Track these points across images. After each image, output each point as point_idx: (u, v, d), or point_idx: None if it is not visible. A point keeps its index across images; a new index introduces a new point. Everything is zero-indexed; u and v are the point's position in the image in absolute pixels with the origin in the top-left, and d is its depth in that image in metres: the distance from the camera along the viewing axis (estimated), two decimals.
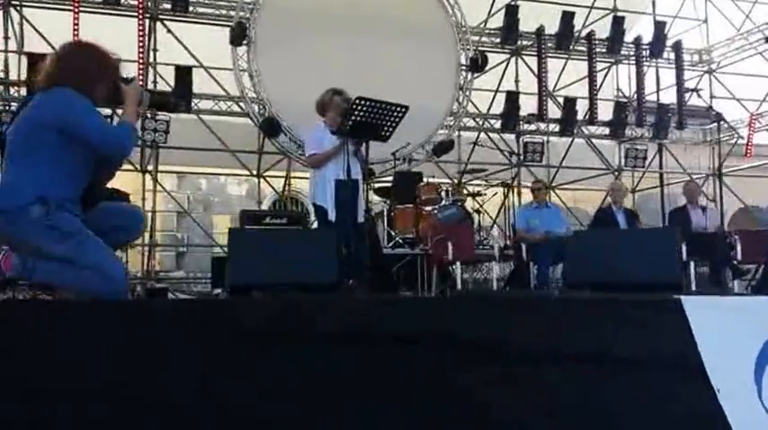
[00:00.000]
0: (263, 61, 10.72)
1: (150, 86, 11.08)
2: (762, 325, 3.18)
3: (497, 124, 12.84)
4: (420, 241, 8.25)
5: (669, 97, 13.73)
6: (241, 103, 11.39)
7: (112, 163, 3.44)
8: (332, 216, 5.74)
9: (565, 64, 13.27)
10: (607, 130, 13.28)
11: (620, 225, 8.45)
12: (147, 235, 10.71)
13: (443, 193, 9.21)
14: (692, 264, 7.56)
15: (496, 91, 13.00)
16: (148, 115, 10.69)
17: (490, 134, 12.98)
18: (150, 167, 11.41)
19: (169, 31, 11.06)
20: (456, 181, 9.85)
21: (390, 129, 5.52)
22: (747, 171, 13.57)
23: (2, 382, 2.15)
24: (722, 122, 13.84)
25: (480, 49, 12.28)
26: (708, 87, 14.38)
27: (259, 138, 12.02)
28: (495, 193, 10.42)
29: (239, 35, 10.57)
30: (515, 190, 10.82)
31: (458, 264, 7.84)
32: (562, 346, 2.84)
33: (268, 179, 12.40)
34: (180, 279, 11.99)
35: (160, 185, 11.65)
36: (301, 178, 11.74)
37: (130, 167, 11.75)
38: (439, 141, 11.62)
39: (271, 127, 10.62)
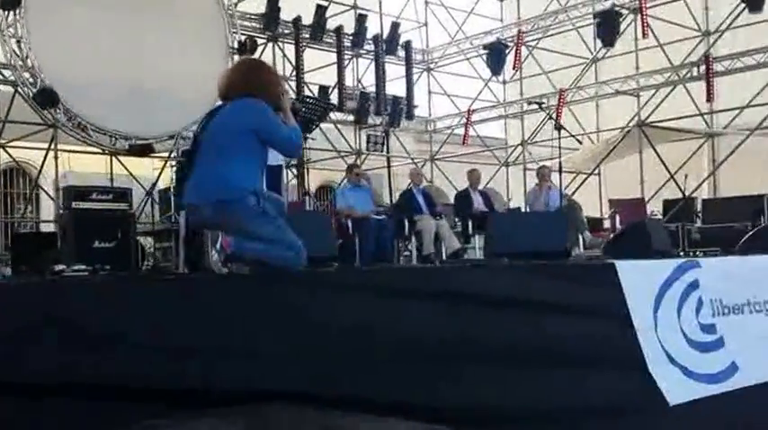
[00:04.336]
0: (36, 29, 10.19)
1: None
2: (656, 278, 4.57)
3: None
4: None
5: (394, 89, 15.50)
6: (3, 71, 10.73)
7: None
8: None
9: (302, 50, 14.18)
10: (351, 117, 14.63)
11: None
12: None
13: None
14: (476, 236, 9.23)
15: None
16: None
17: None
18: None
19: None
20: None
21: (317, 124, 6.26)
22: (459, 158, 15.83)
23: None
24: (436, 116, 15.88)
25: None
26: (426, 84, 16.45)
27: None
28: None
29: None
30: None
31: None
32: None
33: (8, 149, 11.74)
34: None
35: None
36: (70, 151, 11.32)
37: None
38: None
39: (49, 98, 10.14)
